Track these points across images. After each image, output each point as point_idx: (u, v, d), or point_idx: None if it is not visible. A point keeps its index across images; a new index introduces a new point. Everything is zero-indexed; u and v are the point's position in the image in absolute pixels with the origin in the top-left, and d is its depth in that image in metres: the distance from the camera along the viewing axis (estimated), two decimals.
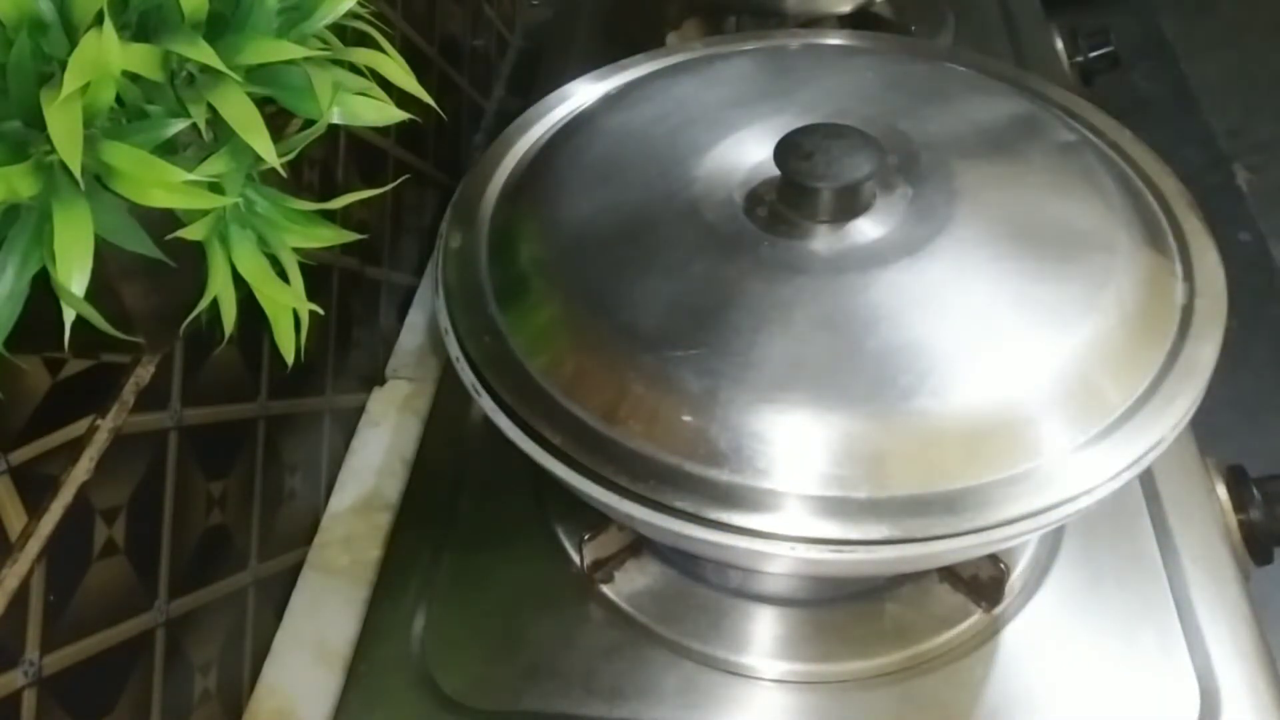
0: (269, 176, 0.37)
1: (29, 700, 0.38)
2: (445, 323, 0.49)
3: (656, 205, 0.50)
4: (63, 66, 0.30)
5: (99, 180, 0.32)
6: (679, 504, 0.41)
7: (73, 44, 0.31)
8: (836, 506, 0.41)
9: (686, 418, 0.42)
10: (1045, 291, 0.45)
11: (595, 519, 0.52)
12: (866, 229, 0.47)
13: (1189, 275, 0.49)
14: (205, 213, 0.34)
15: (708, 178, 0.50)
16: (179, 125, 0.33)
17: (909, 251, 0.46)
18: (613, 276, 0.47)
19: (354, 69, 0.39)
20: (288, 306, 0.38)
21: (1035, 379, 0.43)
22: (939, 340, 0.44)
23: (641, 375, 0.44)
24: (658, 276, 0.47)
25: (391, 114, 0.39)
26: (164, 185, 0.32)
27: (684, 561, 0.55)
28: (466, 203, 0.55)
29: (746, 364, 0.43)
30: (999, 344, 0.44)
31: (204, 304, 0.36)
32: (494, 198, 0.55)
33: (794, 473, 0.41)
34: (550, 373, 0.45)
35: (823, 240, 0.47)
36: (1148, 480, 0.58)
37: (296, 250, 0.39)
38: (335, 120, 0.37)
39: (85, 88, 0.30)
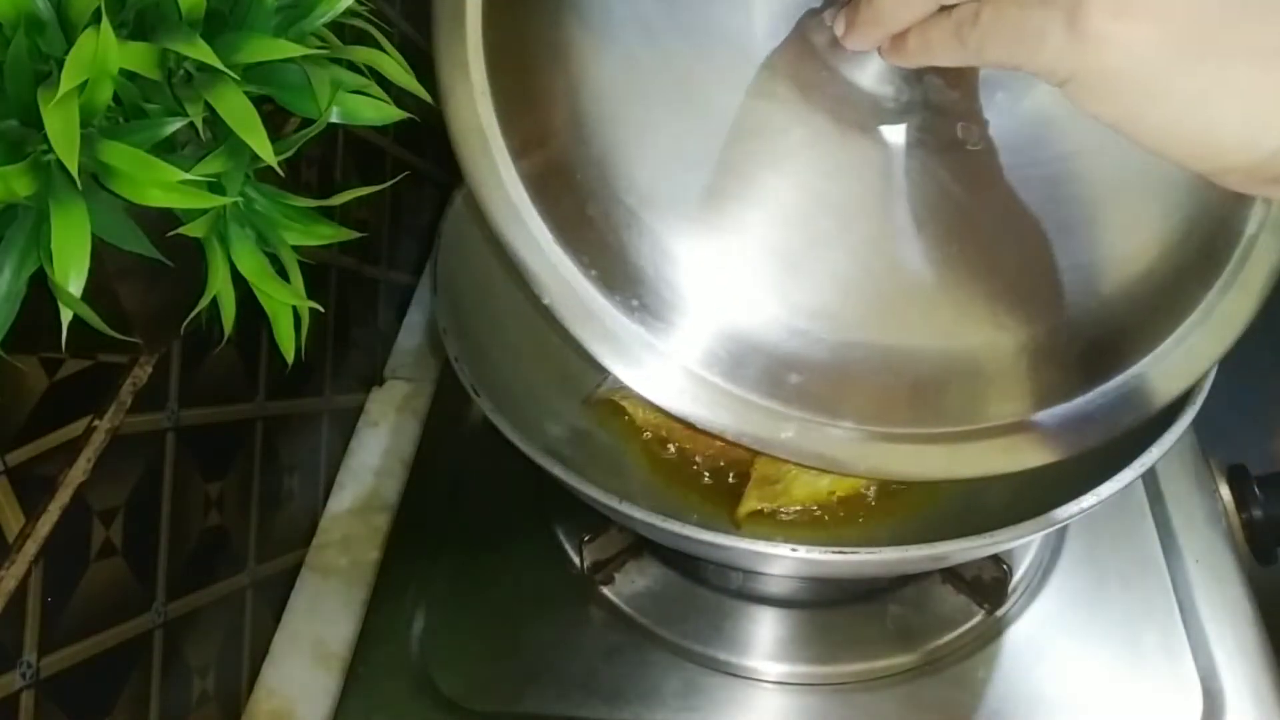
0: (266, 175, 0.37)
1: (26, 702, 0.38)
2: (444, 322, 0.48)
3: None
4: (60, 65, 0.30)
5: (96, 180, 0.32)
6: None
7: (70, 42, 0.30)
8: None
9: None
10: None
11: (595, 520, 0.52)
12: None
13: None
14: (204, 211, 0.34)
15: None
16: (176, 124, 0.33)
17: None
18: None
19: (352, 67, 0.38)
20: (288, 304, 0.38)
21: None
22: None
23: None
24: None
25: (390, 112, 0.38)
26: (161, 184, 0.32)
27: (685, 563, 0.55)
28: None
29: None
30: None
31: (204, 303, 0.36)
32: None
33: None
34: None
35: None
36: (1151, 480, 0.58)
37: (295, 249, 0.39)
38: (334, 119, 0.37)
39: (82, 86, 0.30)
